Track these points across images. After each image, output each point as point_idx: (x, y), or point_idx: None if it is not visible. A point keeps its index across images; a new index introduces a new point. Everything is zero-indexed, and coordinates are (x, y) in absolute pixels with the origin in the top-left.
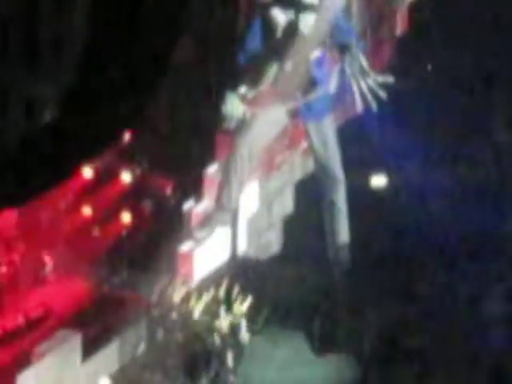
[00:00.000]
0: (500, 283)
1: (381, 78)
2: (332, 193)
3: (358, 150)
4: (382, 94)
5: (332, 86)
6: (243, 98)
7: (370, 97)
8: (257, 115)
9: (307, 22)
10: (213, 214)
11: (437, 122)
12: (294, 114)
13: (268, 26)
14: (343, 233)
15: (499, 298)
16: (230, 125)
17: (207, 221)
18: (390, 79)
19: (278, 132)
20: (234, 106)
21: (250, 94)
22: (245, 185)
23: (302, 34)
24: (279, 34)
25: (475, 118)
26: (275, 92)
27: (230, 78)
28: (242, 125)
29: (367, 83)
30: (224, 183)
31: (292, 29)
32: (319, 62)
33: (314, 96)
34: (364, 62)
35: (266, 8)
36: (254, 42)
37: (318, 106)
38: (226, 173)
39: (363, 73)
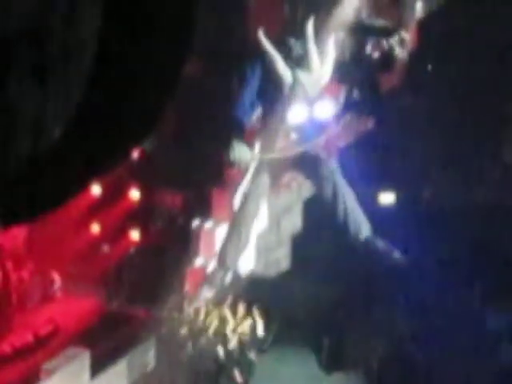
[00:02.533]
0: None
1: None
2: (322, 168)
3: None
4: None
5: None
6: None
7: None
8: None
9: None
10: (216, 274)
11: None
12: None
13: (268, 72)
14: (354, 204)
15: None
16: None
17: (211, 280)
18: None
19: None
20: (241, 151)
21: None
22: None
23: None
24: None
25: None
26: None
27: (236, 126)
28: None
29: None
30: (229, 244)
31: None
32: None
33: (309, 146)
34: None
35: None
36: (255, 83)
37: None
38: (233, 233)
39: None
